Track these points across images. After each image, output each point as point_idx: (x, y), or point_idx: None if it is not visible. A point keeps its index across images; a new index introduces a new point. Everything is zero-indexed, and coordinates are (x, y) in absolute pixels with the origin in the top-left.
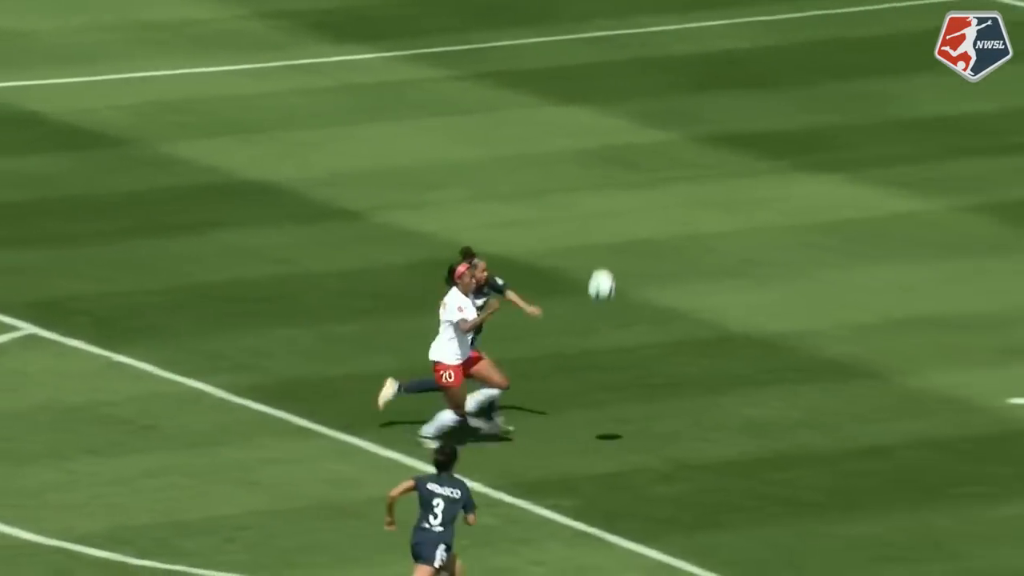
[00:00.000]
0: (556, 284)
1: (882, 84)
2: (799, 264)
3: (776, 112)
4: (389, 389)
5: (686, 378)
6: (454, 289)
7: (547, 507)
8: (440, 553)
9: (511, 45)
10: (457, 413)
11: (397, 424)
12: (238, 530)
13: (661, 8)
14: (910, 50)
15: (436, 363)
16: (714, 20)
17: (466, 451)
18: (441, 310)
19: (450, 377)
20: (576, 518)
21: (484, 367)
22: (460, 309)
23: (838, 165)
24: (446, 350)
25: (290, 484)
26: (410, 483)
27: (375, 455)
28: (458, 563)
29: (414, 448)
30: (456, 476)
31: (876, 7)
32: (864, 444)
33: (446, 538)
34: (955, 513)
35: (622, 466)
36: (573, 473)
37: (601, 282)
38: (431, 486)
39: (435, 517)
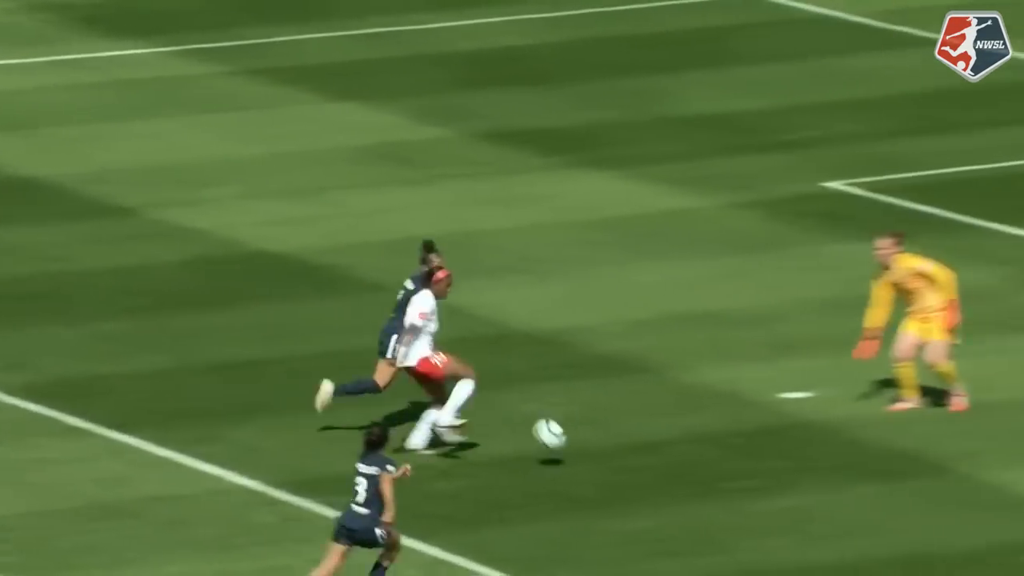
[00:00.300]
0: (334, 282)
1: (655, 81)
2: (576, 261)
3: (552, 109)
4: (325, 390)
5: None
6: (426, 291)
7: (327, 505)
8: (379, 534)
9: (287, 41)
10: (471, 373)
11: (171, 421)
12: (10, 531)
13: (438, 5)
14: (682, 48)
15: (422, 360)
16: (490, 17)
17: (246, 449)
18: (409, 308)
19: (440, 362)
20: None
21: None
22: (421, 315)
23: (613, 162)
24: (421, 347)
25: (64, 484)
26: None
27: (149, 453)
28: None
29: (188, 445)
30: (384, 457)
31: (649, 5)
32: (639, 439)
33: (374, 518)
34: (727, 506)
35: (400, 462)
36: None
37: (553, 438)
38: (358, 465)
39: (358, 495)
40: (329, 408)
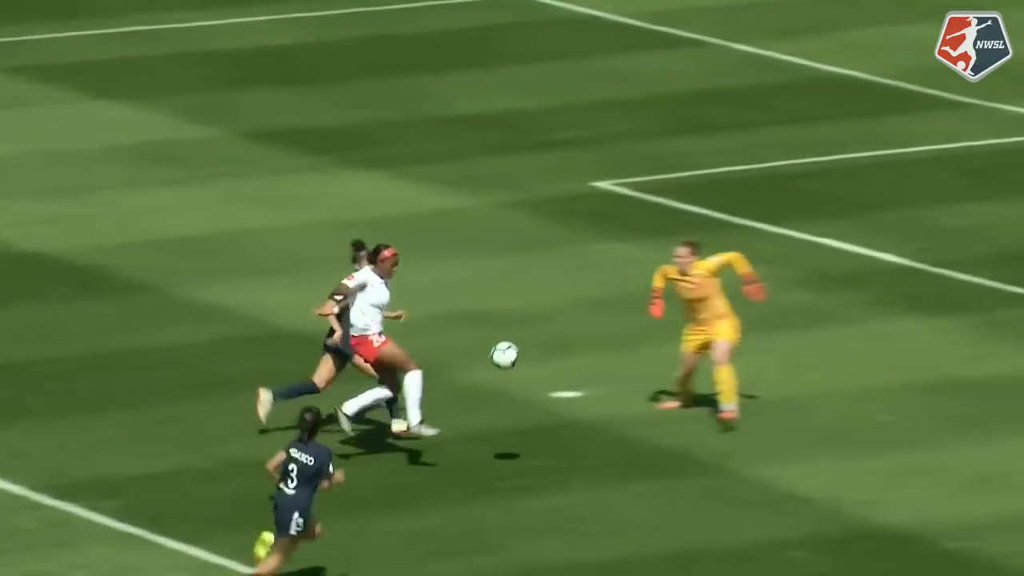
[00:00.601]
0: (98, 282)
1: (422, 81)
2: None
3: (319, 108)
4: (264, 399)
5: (232, 376)
6: (367, 268)
7: (90, 509)
8: (295, 520)
9: (44, 39)
10: (415, 367)
11: None
12: None
13: (199, 3)
14: (449, 47)
15: (360, 336)
16: (254, 16)
17: (8, 454)
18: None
19: (380, 338)
20: (120, 519)
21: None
22: (349, 277)
23: (381, 162)
24: (363, 324)
25: None
26: (283, 454)
27: None
28: (318, 527)
29: None
30: (318, 444)
31: (415, 5)
32: (415, 440)
33: (299, 503)
34: (500, 506)
35: (168, 466)
36: (117, 474)
37: (507, 355)
38: (292, 451)
39: (291, 481)
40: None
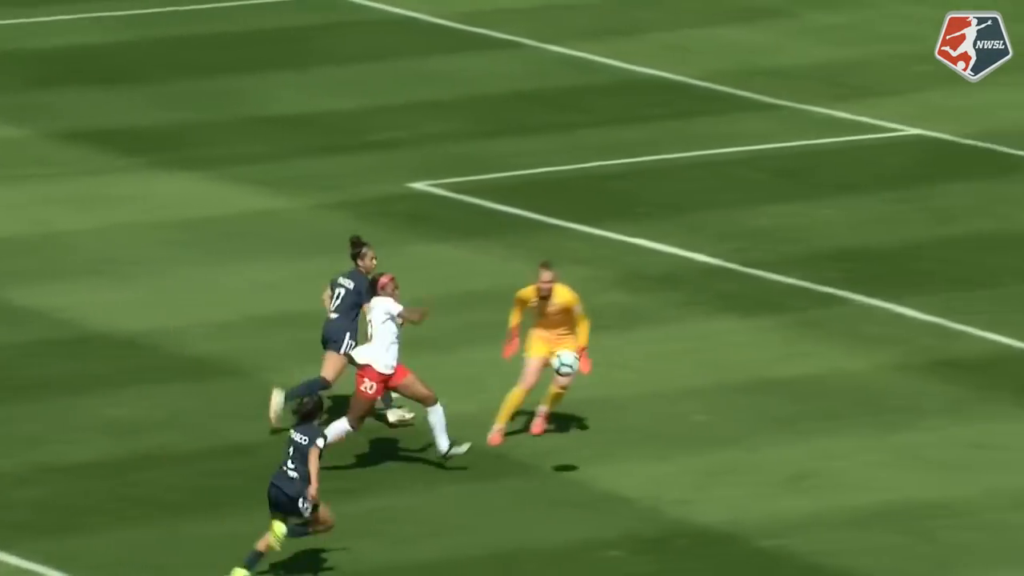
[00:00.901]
0: None
1: (237, 81)
2: (160, 262)
3: (131, 108)
4: (276, 400)
5: (45, 379)
6: (377, 297)
7: None
8: (302, 504)
9: None
10: (355, 426)
11: None
12: None
13: (7, 1)
14: (264, 47)
15: (366, 367)
16: (64, 14)
17: None
18: (368, 315)
19: (371, 389)
20: None
21: (410, 381)
22: (395, 301)
23: (196, 163)
24: (378, 357)
25: None
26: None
27: None
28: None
29: None
30: (315, 427)
31: (229, 4)
32: (227, 443)
33: (300, 487)
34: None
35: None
36: None
37: (565, 357)
38: (291, 433)
39: (291, 461)
40: (280, 416)
